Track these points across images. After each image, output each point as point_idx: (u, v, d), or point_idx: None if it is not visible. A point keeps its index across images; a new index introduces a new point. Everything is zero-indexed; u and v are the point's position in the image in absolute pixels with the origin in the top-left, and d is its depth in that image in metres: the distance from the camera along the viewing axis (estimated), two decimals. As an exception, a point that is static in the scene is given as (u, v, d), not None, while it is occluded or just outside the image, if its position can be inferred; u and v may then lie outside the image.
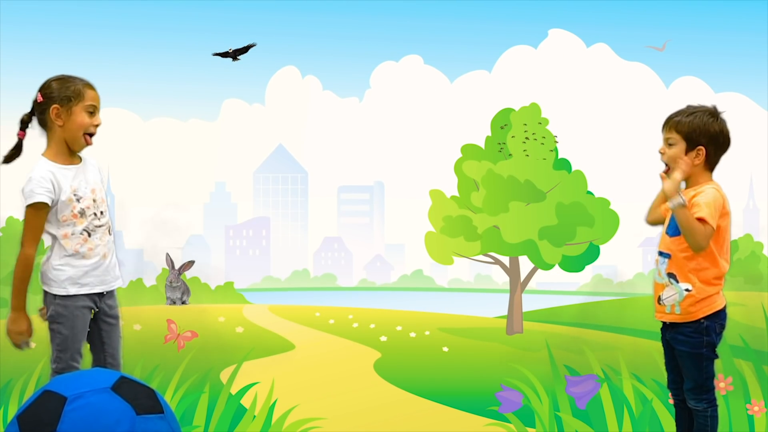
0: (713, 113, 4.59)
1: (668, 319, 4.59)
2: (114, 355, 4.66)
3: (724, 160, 4.84)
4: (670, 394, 4.86)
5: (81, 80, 4.56)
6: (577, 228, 10.36)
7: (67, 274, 4.49)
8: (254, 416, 6.43)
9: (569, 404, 6.40)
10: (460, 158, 10.54)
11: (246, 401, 6.60)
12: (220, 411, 6.45)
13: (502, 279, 8.50)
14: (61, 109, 4.48)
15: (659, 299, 4.62)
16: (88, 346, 4.65)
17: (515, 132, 10.37)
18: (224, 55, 7.61)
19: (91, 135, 4.57)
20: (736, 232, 7.49)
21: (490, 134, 10.54)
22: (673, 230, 4.55)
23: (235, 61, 7.71)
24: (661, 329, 4.73)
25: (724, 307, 4.58)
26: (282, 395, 6.83)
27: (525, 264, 10.68)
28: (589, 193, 10.45)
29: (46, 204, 4.43)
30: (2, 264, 6.78)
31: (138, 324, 8.90)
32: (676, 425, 4.80)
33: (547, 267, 10.46)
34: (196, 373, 6.79)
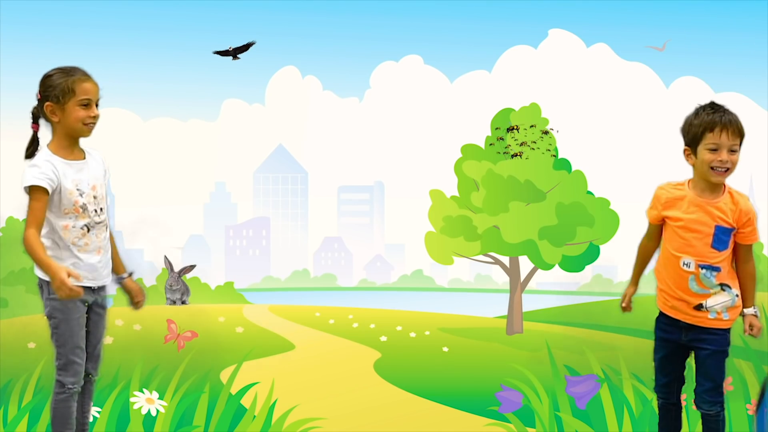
0: None
1: (713, 324, 4.55)
2: (96, 345, 4.75)
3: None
4: (657, 395, 4.81)
5: (75, 74, 4.57)
6: (577, 228, 10.36)
7: (63, 265, 4.52)
8: (254, 416, 6.44)
9: (569, 404, 6.40)
10: (460, 158, 10.54)
11: (246, 401, 6.60)
12: (220, 411, 6.45)
13: (502, 279, 8.51)
14: (54, 106, 4.54)
15: (701, 306, 4.57)
16: None
17: (515, 133, 10.37)
18: (224, 53, 7.62)
19: (88, 125, 4.59)
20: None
21: (490, 134, 10.55)
22: (723, 245, 4.52)
23: (235, 60, 7.71)
24: (666, 331, 4.67)
25: None
26: (282, 395, 6.83)
27: (525, 264, 10.68)
28: (589, 193, 10.45)
29: (42, 188, 4.48)
30: (2, 264, 6.78)
31: (138, 324, 8.90)
32: (660, 425, 4.78)
33: (547, 267, 10.46)
34: (196, 373, 6.79)
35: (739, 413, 6.31)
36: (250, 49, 7.56)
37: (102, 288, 4.74)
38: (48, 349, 4.64)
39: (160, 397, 6.50)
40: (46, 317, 4.65)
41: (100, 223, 4.63)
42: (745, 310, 4.59)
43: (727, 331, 4.58)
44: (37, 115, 4.66)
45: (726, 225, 4.49)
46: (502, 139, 10.28)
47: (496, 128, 10.42)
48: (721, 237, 4.50)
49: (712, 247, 4.51)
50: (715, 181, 4.47)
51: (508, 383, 6.62)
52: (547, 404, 6.49)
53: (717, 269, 4.51)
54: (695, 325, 4.60)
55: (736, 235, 4.53)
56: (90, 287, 4.65)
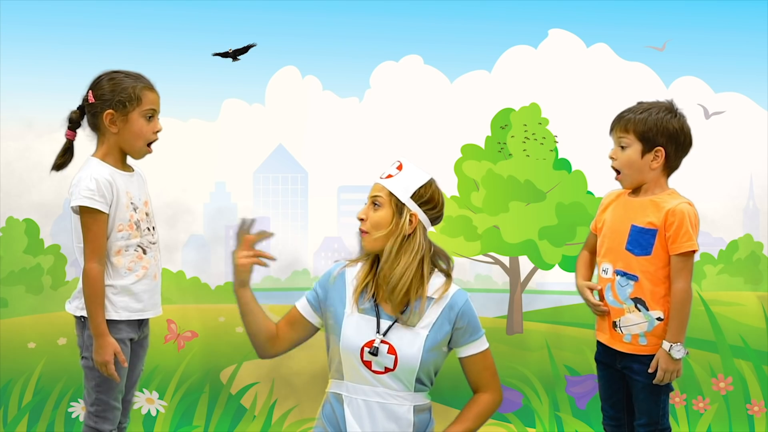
0: (670, 109, 4.06)
1: (628, 350, 3.92)
2: (131, 388, 4.07)
3: (725, 160, 4.66)
4: None
5: (138, 79, 3.92)
6: (577, 228, 10.36)
7: (115, 296, 3.88)
8: (254, 416, 6.43)
9: (569, 404, 6.40)
10: (460, 158, 10.54)
11: (246, 401, 6.59)
12: (220, 411, 6.45)
13: (502, 279, 8.49)
14: (116, 114, 3.86)
15: (614, 325, 3.96)
16: None
17: (515, 132, 10.38)
18: (224, 55, 7.63)
19: (152, 143, 3.97)
20: (736, 232, 7.48)
21: (490, 134, 10.55)
22: (641, 249, 3.90)
23: (235, 62, 7.72)
24: (601, 354, 4.11)
25: None
26: (282, 395, 6.82)
27: (525, 264, 10.68)
28: (589, 193, 10.45)
29: (104, 213, 3.79)
30: (2, 264, 6.78)
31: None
32: None
33: (547, 267, 10.45)
34: (196, 373, 6.78)
35: (739, 413, 6.31)
36: (250, 51, 7.58)
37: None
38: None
39: (160, 397, 6.50)
40: (82, 356, 3.88)
41: (154, 243, 3.97)
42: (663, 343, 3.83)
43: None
44: (77, 121, 3.94)
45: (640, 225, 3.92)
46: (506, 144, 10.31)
47: (501, 127, 10.43)
48: (637, 238, 3.93)
49: (626, 249, 3.96)
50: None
51: (508, 383, 6.62)
52: (547, 404, 6.50)
53: (633, 278, 3.90)
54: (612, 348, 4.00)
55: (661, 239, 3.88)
56: (142, 320, 4.00)
